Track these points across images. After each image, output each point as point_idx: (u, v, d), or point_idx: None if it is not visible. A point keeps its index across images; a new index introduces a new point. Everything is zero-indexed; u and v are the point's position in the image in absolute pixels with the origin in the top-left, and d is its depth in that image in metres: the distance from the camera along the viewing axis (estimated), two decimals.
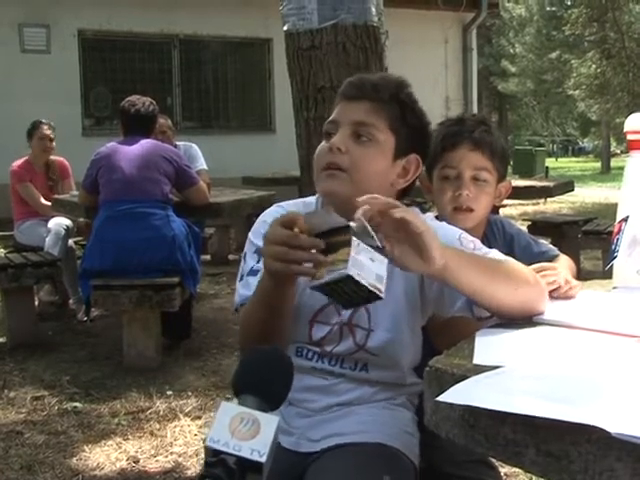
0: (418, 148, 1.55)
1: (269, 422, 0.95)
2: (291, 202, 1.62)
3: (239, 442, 0.92)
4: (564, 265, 1.72)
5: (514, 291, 1.30)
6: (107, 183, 4.14)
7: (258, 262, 1.47)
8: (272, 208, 1.60)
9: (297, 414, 1.52)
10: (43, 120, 5.65)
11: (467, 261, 1.29)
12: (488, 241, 1.83)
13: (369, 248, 1.18)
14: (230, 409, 0.96)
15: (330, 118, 1.53)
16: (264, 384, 1.03)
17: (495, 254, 1.44)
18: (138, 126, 4.34)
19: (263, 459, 0.92)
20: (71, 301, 5.18)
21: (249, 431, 0.93)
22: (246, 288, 1.48)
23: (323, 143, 1.52)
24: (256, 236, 1.53)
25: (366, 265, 1.16)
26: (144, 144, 4.28)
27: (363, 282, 1.15)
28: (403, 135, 1.51)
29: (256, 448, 0.92)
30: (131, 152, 4.21)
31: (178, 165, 4.28)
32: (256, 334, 1.40)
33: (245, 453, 0.92)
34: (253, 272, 1.48)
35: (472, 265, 1.29)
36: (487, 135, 1.81)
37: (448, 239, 1.42)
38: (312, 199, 1.61)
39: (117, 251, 3.99)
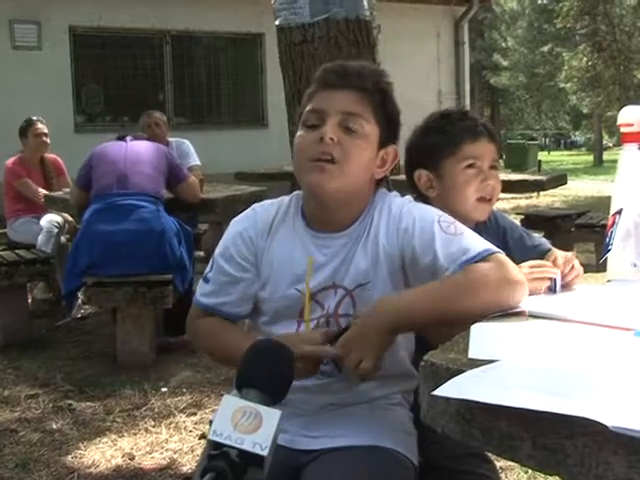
0: (394, 139, 1.55)
1: (271, 416, 0.95)
2: (266, 203, 1.60)
3: (241, 435, 0.93)
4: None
5: (474, 302, 1.33)
6: (99, 177, 4.16)
7: (210, 271, 1.57)
8: (246, 212, 1.60)
9: (292, 413, 1.50)
10: (35, 117, 5.63)
11: (409, 307, 1.36)
12: (480, 234, 1.82)
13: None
14: (233, 402, 0.96)
15: (311, 107, 1.49)
16: (266, 378, 1.03)
17: (474, 240, 1.43)
18: None
19: (265, 452, 0.92)
20: None
21: (251, 424, 0.94)
22: (204, 294, 1.57)
23: (303, 133, 1.49)
24: (221, 245, 1.58)
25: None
26: (138, 142, 4.36)
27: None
28: (384, 125, 1.51)
29: (258, 441, 0.93)
30: (125, 147, 4.25)
31: (171, 161, 4.34)
32: (214, 354, 1.65)
33: (247, 446, 0.92)
34: (206, 279, 1.58)
35: (417, 306, 1.36)
36: (494, 128, 1.88)
37: (426, 223, 1.45)
38: (286, 198, 1.60)
39: (105, 243, 3.96)
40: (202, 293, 1.58)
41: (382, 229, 1.49)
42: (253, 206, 1.60)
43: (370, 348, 1.33)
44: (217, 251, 1.58)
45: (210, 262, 1.59)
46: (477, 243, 1.42)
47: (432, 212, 1.50)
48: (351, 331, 1.38)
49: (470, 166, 1.77)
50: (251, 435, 0.93)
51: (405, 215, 1.48)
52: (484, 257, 1.39)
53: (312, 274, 1.48)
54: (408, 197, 1.59)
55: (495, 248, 1.42)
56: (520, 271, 1.42)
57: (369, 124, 1.47)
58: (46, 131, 5.61)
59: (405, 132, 2.10)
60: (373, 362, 1.33)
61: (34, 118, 5.61)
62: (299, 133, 1.50)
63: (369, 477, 1.40)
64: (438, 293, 1.37)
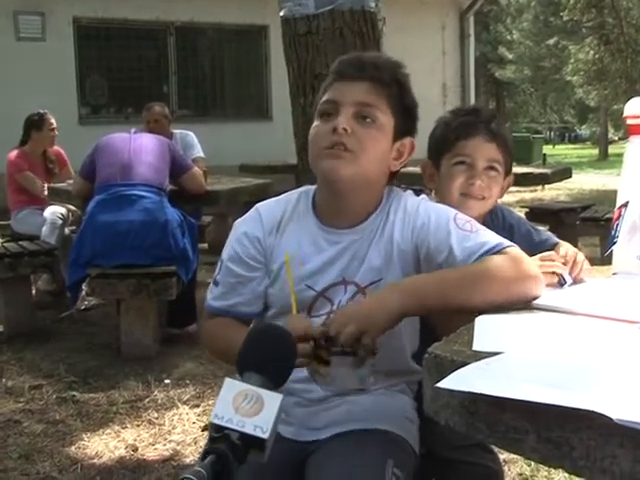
0: (411, 130, 1.55)
1: (272, 399, 0.95)
2: (270, 202, 1.59)
3: (242, 418, 0.94)
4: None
5: (486, 291, 1.31)
6: (103, 167, 4.16)
7: (218, 273, 1.57)
8: (250, 213, 1.58)
9: (296, 404, 1.51)
10: (43, 110, 5.63)
11: (418, 289, 1.33)
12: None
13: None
14: (234, 386, 0.97)
15: (326, 97, 1.49)
16: (268, 362, 1.03)
17: (490, 235, 1.44)
18: None
19: (266, 435, 0.93)
20: None
21: (252, 408, 0.94)
22: (214, 297, 1.58)
23: (319, 123, 1.48)
24: (227, 247, 1.57)
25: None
26: (142, 134, 4.41)
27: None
28: (401, 117, 1.50)
29: (259, 424, 0.93)
30: (129, 139, 4.27)
31: (174, 152, 4.37)
32: (223, 355, 1.60)
33: (248, 429, 0.93)
34: (215, 282, 1.58)
35: (427, 289, 1.33)
36: (502, 128, 1.85)
37: (441, 220, 1.45)
38: (294, 195, 1.58)
39: (108, 233, 3.95)
40: (212, 297, 1.58)
41: (397, 227, 1.49)
42: (256, 206, 1.58)
43: (373, 324, 1.27)
44: (224, 254, 1.57)
45: (218, 265, 1.58)
46: (493, 238, 1.43)
47: (448, 210, 1.50)
48: (352, 307, 1.35)
49: (460, 163, 1.78)
50: (252, 418, 0.93)
51: (421, 213, 1.48)
52: (500, 250, 1.39)
53: (291, 270, 1.46)
54: (423, 196, 1.58)
55: (510, 242, 1.43)
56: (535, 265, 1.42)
57: (384, 115, 1.47)
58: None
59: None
60: (373, 339, 1.26)
61: (43, 111, 5.61)
62: (315, 124, 1.49)
63: (371, 458, 1.40)
64: (450, 279, 1.35)
